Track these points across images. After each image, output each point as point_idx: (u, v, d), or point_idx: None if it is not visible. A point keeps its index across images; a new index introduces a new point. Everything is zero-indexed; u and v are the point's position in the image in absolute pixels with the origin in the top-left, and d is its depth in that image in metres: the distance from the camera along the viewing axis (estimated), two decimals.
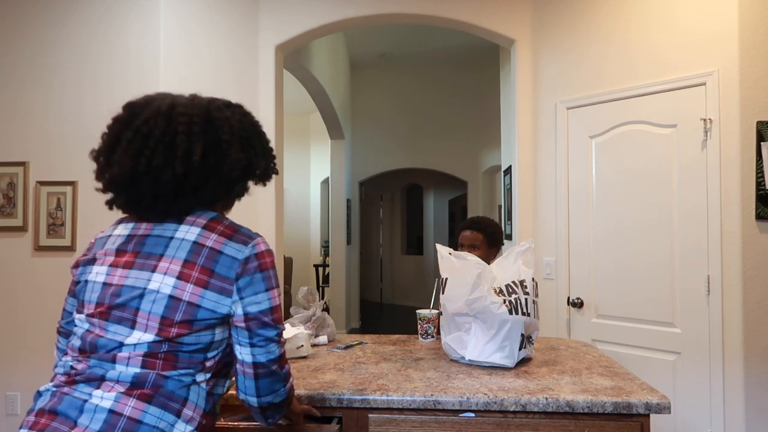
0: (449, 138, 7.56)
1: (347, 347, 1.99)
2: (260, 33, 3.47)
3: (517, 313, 1.66)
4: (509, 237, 3.68)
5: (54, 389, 1.02)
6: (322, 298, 7.76)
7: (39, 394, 1.04)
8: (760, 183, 2.44)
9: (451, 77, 7.51)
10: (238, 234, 1.08)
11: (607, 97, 2.92)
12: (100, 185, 1.11)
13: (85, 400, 0.97)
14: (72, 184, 3.09)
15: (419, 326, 2.14)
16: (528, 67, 3.39)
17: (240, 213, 3.33)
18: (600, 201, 2.94)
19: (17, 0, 3.17)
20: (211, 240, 1.06)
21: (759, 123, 2.45)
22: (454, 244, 2.37)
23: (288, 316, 2.11)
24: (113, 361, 1.00)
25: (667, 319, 2.66)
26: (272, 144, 1.26)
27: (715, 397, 2.51)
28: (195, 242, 1.05)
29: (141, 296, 1.03)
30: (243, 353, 1.07)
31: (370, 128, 7.73)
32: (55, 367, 1.10)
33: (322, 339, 2.04)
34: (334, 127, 6.58)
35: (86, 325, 1.06)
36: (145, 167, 1.04)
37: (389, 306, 9.92)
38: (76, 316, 1.10)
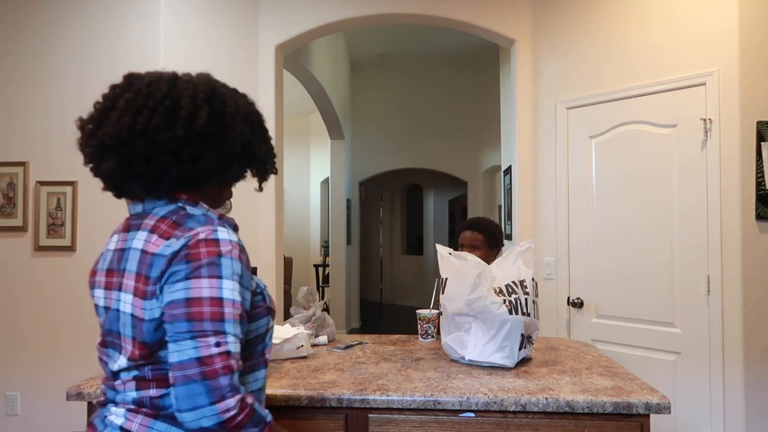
0: (449, 138, 7.56)
1: (347, 347, 1.99)
2: (260, 33, 3.47)
3: (517, 313, 1.66)
4: (509, 237, 3.68)
5: (97, 405, 1.07)
6: (322, 298, 7.77)
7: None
8: (760, 183, 2.44)
9: (451, 77, 7.50)
10: (178, 229, 0.95)
11: (607, 97, 2.92)
12: (84, 154, 1.01)
13: (106, 416, 1.00)
14: (72, 184, 3.09)
15: (419, 326, 2.14)
16: (528, 67, 3.39)
17: (240, 213, 3.33)
18: (600, 201, 2.94)
19: (17, 0, 3.17)
20: (152, 243, 0.95)
21: (759, 123, 2.45)
22: (454, 244, 2.37)
23: (288, 316, 2.11)
24: (114, 388, 1.01)
25: (667, 319, 2.66)
26: (273, 143, 1.16)
27: (715, 397, 2.50)
28: (141, 250, 0.96)
29: (118, 319, 0.98)
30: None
31: (370, 128, 7.73)
32: None
33: (322, 339, 2.04)
34: (334, 127, 6.58)
35: (99, 353, 1.07)
36: (142, 127, 0.94)
37: (389, 306, 9.92)
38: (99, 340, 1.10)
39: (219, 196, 1.10)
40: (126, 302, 0.96)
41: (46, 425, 3.10)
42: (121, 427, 0.96)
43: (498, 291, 1.70)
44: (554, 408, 1.38)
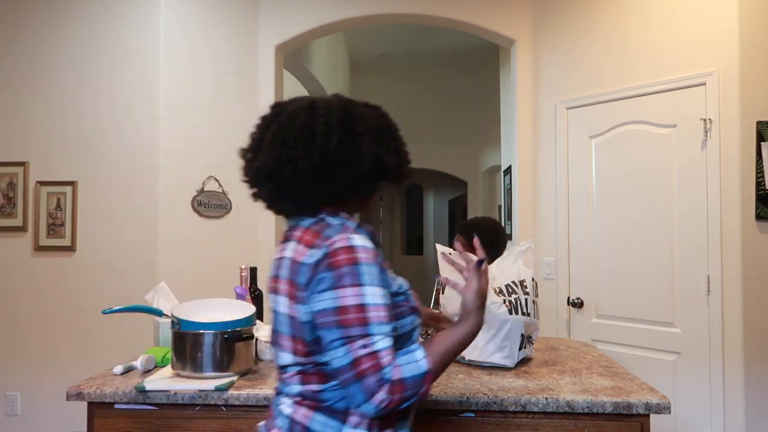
0: (449, 138, 7.56)
1: None
2: (260, 33, 3.47)
3: (517, 313, 1.66)
4: (509, 237, 3.68)
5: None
6: None
7: None
8: (760, 183, 2.44)
9: (451, 77, 7.50)
10: (318, 238, 1.04)
11: (607, 97, 2.92)
12: (247, 179, 1.18)
13: (279, 404, 1.12)
14: (72, 184, 3.09)
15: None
16: (528, 67, 3.39)
17: (240, 214, 3.34)
18: (600, 201, 2.94)
19: (17, 0, 3.17)
20: (298, 252, 1.06)
21: (759, 123, 2.45)
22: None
23: None
24: (283, 380, 1.12)
25: (667, 319, 2.66)
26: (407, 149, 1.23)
27: (715, 397, 2.50)
28: (291, 258, 1.07)
29: (278, 319, 1.11)
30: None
31: None
32: None
33: None
34: None
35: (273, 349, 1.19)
36: (286, 157, 1.07)
37: None
38: None
39: (363, 205, 1.21)
40: (283, 304, 1.08)
41: (46, 425, 3.10)
42: (288, 417, 1.08)
43: (498, 291, 1.70)
44: (554, 408, 1.38)
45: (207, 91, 3.26)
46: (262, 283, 2.30)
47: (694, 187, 2.59)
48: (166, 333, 1.78)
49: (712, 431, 2.51)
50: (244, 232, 3.36)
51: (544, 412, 1.40)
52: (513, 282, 1.72)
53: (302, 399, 1.07)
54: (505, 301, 1.67)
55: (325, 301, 0.99)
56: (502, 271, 1.78)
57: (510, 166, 3.67)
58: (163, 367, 1.68)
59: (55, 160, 3.12)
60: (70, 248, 3.09)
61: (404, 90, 7.66)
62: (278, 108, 1.16)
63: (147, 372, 1.64)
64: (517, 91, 3.40)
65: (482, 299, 1.11)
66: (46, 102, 3.14)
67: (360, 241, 1.02)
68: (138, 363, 1.64)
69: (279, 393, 1.14)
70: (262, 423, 1.17)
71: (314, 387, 1.06)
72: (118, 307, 1.58)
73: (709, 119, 2.54)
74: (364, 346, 0.97)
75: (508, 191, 3.76)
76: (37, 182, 3.11)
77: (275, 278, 1.12)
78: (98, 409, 1.50)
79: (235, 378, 1.54)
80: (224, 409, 1.47)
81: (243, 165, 1.20)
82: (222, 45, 3.32)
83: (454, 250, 2.06)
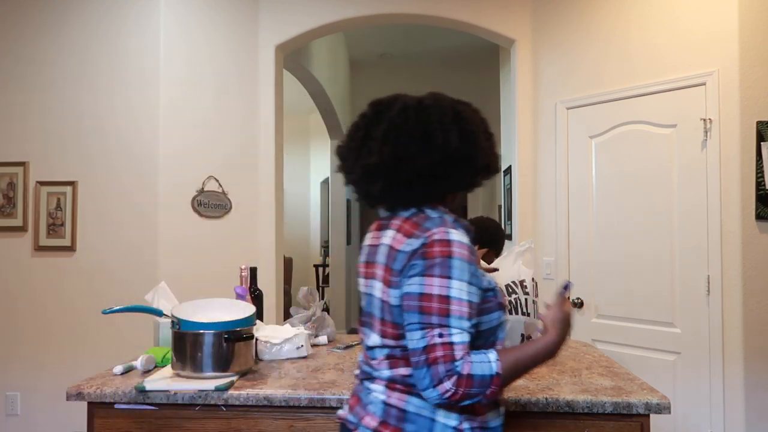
0: None
1: (347, 347, 1.99)
2: (260, 33, 3.47)
3: (516, 313, 1.66)
4: (509, 237, 3.68)
5: (358, 378, 1.21)
6: (322, 298, 7.76)
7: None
8: (760, 183, 2.44)
9: (451, 77, 7.50)
10: (418, 229, 1.08)
11: (607, 97, 2.92)
12: (349, 179, 1.19)
13: (370, 390, 1.14)
14: (72, 184, 3.09)
15: None
16: (528, 67, 3.39)
17: (240, 213, 3.34)
18: (600, 201, 2.94)
19: (18, 0, 3.17)
20: (397, 240, 1.10)
21: (759, 123, 2.45)
22: None
23: (288, 316, 2.12)
24: (371, 365, 1.15)
25: (667, 319, 2.66)
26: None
27: (715, 397, 2.50)
28: (388, 245, 1.12)
29: (371, 302, 1.16)
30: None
31: None
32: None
33: (322, 339, 2.04)
34: (334, 127, 6.58)
35: (360, 332, 1.24)
36: (403, 154, 1.10)
37: None
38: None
39: (455, 199, 1.25)
40: (377, 288, 1.13)
41: (46, 425, 3.10)
42: (383, 402, 1.10)
43: None
44: (554, 408, 1.38)
45: (207, 91, 3.26)
46: (262, 283, 2.30)
47: (694, 187, 2.59)
48: (166, 333, 1.78)
49: (712, 431, 2.51)
50: (244, 232, 3.36)
51: (544, 412, 1.40)
52: (513, 282, 1.72)
53: (394, 383, 1.10)
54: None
55: (412, 285, 1.04)
56: (502, 270, 1.78)
57: (510, 166, 3.67)
58: (163, 367, 1.68)
59: (55, 160, 3.12)
60: (70, 248, 3.09)
61: (404, 90, 7.56)
62: (381, 106, 1.21)
63: (147, 372, 1.64)
64: (517, 91, 3.40)
65: (565, 319, 1.14)
66: (46, 102, 3.14)
67: (457, 236, 1.05)
68: (138, 363, 1.64)
69: (365, 379, 1.17)
70: (344, 412, 1.18)
71: (403, 371, 1.09)
72: (118, 307, 1.58)
73: (709, 119, 2.54)
74: (441, 335, 1.00)
75: (508, 191, 3.76)
76: (37, 182, 3.11)
77: (370, 263, 1.17)
78: (98, 409, 1.50)
79: (235, 378, 1.54)
80: (224, 409, 1.47)
81: (341, 163, 1.21)
82: (222, 45, 3.32)
83: None
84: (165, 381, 1.52)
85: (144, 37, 3.12)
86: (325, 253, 8.41)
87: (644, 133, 2.77)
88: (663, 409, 1.37)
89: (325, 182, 8.74)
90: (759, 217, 2.44)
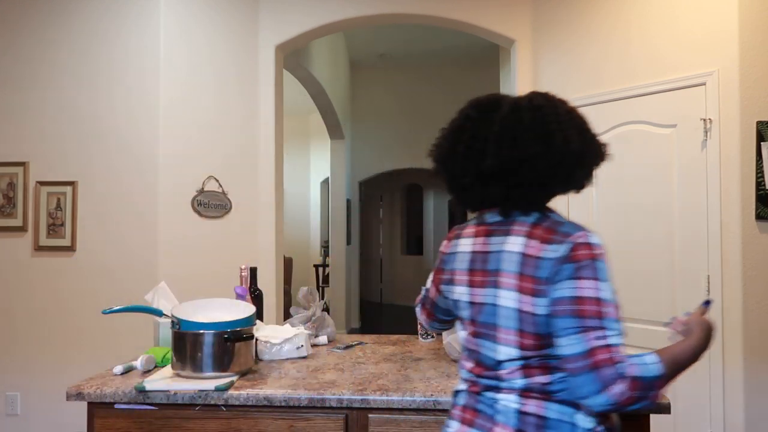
0: None
1: (347, 347, 1.99)
2: (260, 33, 3.47)
3: None
4: None
5: (466, 391, 1.16)
6: (322, 299, 7.76)
7: (456, 393, 1.19)
8: (760, 183, 2.44)
9: (451, 77, 7.50)
10: (555, 235, 1.06)
11: (607, 97, 2.92)
12: (459, 182, 1.14)
13: (495, 402, 1.09)
14: (72, 184, 3.09)
15: (419, 326, 2.14)
16: (528, 67, 3.39)
17: (240, 213, 3.34)
18: (600, 201, 2.94)
19: (17, 0, 3.17)
20: (533, 248, 1.06)
21: (759, 123, 2.45)
22: None
23: (288, 316, 2.12)
24: (497, 377, 1.10)
25: (668, 319, 2.66)
26: None
27: (715, 397, 2.50)
28: (521, 253, 1.07)
29: (495, 313, 1.09)
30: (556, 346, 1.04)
31: (370, 128, 7.73)
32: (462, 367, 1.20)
33: (322, 339, 2.04)
34: (334, 127, 6.58)
35: (465, 342, 1.18)
36: (522, 156, 1.06)
37: (389, 306, 9.92)
38: (461, 331, 1.20)
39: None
40: (508, 298, 1.07)
41: (46, 425, 3.10)
42: (517, 411, 1.05)
43: None
44: None
45: (207, 91, 3.26)
46: (262, 283, 2.30)
47: (694, 187, 2.59)
48: (166, 333, 1.78)
49: (712, 431, 2.51)
50: (244, 232, 3.36)
51: None
52: None
53: (529, 392, 1.06)
54: None
55: (563, 290, 1.01)
56: None
57: None
58: (163, 367, 1.68)
59: (55, 160, 3.12)
60: (70, 248, 3.09)
61: (404, 90, 7.66)
62: (486, 106, 1.16)
63: (147, 372, 1.64)
64: (517, 91, 3.40)
65: (708, 326, 1.13)
66: (46, 102, 3.14)
67: (596, 239, 1.05)
68: (138, 363, 1.64)
69: (485, 390, 1.11)
70: (455, 429, 1.11)
71: (541, 379, 1.06)
72: (118, 307, 1.58)
73: (709, 119, 2.54)
74: (599, 338, 0.97)
75: None
76: (37, 182, 3.11)
77: (481, 271, 1.12)
78: (98, 409, 1.50)
79: (235, 378, 1.54)
80: (224, 409, 1.47)
81: (451, 166, 1.15)
82: (222, 45, 3.32)
83: None
84: (165, 381, 1.52)
85: (144, 37, 3.12)
86: (325, 253, 8.42)
87: (644, 133, 2.77)
88: (663, 409, 1.37)
89: (325, 182, 8.74)
90: (759, 217, 2.44)
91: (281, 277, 3.62)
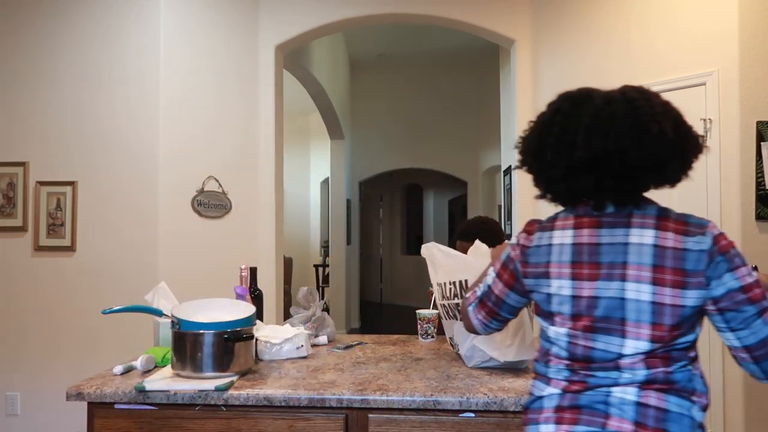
0: (449, 138, 7.56)
1: (347, 347, 1.99)
2: (260, 33, 3.47)
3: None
4: (509, 237, 3.68)
5: (560, 392, 1.11)
6: (322, 298, 7.76)
7: (539, 398, 1.14)
8: (760, 183, 2.44)
9: (451, 77, 7.50)
10: (690, 227, 1.06)
11: None
12: (549, 173, 1.13)
13: (608, 395, 1.06)
14: (72, 184, 3.09)
15: (419, 326, 2.14)
16: (528, 67, 3.39)
17: (240, 213, 3.34)
18: None
19: (18, 0, 3.17)
20: (670, 240, 1.05)
21: (759, 123, 2.45)
22: (454, 244, 2.36)
23: (288, 316, 2.11)
24: (617, 368, 1.07)
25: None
26: None
27: (715, 398, 2.50)
28: (655, 245, 1.06)
29: (621, 306, 1.07)
30: (730, 339, 1.05)
31: (370, 128, 7.73)
32: (546, 357, 1.16)
33: (322, 339, 2.04)
34: (334, 127, 6.58)
35: (565, 338, 1.12)
36: (614, 147, 1.05)
37: (389, 306, 9.92)
38: (551, 327, 1.15)
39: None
40: (640, 291, 1.05)
41: (46, 425, 3.10)
42: (636, 403, 1.04)
43: None
44: None
45: (207, 91, 3.26)
46: (262, 283, 2.30)
47: (693, 186, 2.59)
48: (166, 333, 1.77)
49: (712, 431, 2.51)
50: (244, 232, 3.36)
51: None
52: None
53: (650, 384, 1.05)
54: None
55: (729, 283, 1.03)
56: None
57: (510, 166, 3.67)
58: (163, 367, 1.68)
59: (55, 160, 3.12)
60: (70, 248, 3.09)
61: (404, 90, 7.66)
62: (576, 99, 1.16)
63: (147, 372, 1.64)
64: (517, 91, 3.40)
65: None
66: (47, 102, 3.14)
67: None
68: (138, 363, 1.64)
69: (597, 386, 1.08)
70: (553, 428, 1.08)
71: (663, 369, 1.05)
72: (117, 307, 1.58)
73: (709, 119, 2.54)
74: None
75: (508, 191, 3.76)
76: (37, 182, 3.11)
77: (607, 264, 1.08)
78: (98, 409, 1.50)
79: (235, 378, 1.54)
80: (224, 409, 1.47)
81: (540, 158, 1.15)
82: (222, 45, 3.32)
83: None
84: (165, 381, 1.52)
85: (144, 37, 3.12)
86: (325, 253, 8.42)
87: None
88: None
89: (325, 182, 8.74)
90: (759, 217, 2.44)
91: (281, 277, 3.62)
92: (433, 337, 2.12)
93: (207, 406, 1.47)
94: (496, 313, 1.29)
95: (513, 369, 1.68)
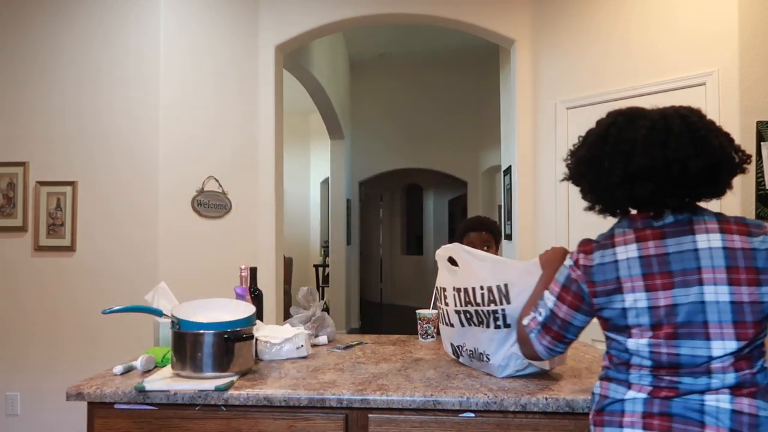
0: (449, 138, 7.56)
1: (347, 347, 1.99)
2: (260, 33, 3.47)
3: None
4: (509, 237, 3.68)
5: (646, 396, 1.12)
6: (322, 298, 7.76)
7: (620, 401, 1.15)
8: (760, 183, 2.44)
9: (451, 77, 7.50)
10: (751, 227, 1.12)
11: (607, 97, 2.92)
12: (606, 181, 1.17)
13: (702, 403, 1.07)
14: (72, 184, 3.09)
15: (419, 326, 2.14)
16: (528, 67, 3.39)
17: (240, 213, 3.34)
18: None
19: (18, 0, 3.17)
20: (737, 241, 1.10)
21: (759, 123, 2.45)
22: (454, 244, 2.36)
23: (288, 316, 2.12)
24: (708, 373, 1.08)
25: None
26: None
27: None
28: (724, 248, 1.10)
29: (702, 310, 1.09)
30: None
31: (370, 128, 7.73)
32: (616, 373, 1.20)
33: (322, 339, 2.04)
34: (334, 127, 6.58)
35: (647, 348, 1.13)
36: (674, 156, 1.10)
37: (389, 306, 9.92)
38: (630, 340, 1.16)
39: None
40: (719, 293, 1.08)
41: (46, 425, 3.10)
42: (732, 411, 1.05)
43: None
44: (554, 408, 1.38)
45: (207, 91, 3.26)
46: (262, 283, 2.30)
47: None
48: (166, 333, 1.78)
49: None
50: (244, 232, 3.36)
51: (544, 412, 1.40)
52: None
53: (740, 388, 1.06)
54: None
55: None
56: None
57: (510, 166, 3.68)
58: (163, 367, 1.68)
59: (55, 160, 3.12)
60: (70, 248, 3.09)
61: (404, 90, 7.66)
62: (633, 114, 1.19)
63: (147, 372, 1.64)
64: (517, 91, 3.40)
65: None
66: (47, 102, 3.14)
67: None
68: (138, 363, 1.64)
69: (690, 392, 1.09)
70: None
71: (749, 371, 1.07)
72: (117, 307, 1.58)
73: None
74: None
75: (508, 191, 3.77)
76: (37, 182, 3.11)
77: (680, 272, 1.11)
78: (98, 409, 1.50)
79: (235, 378, 1.54)
80: (224, 409, 1.47)
81: (598, 167, 1.18)
82: (222, 45, 3.32)
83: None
84: (165, 381, 1.52)
85: (144, 37, 3.12)
86: (325, 253, 8.42)
87: None
88: None
89: (325, 182, 8.74)
90: (759, 217, 2.44)
91: (281, 277, 3.62)
92: (433, 337, 2.12)
93: (207, 406, 1.47)
94: (562, 337, 1.30)
95: None
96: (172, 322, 1.56)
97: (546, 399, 1.39)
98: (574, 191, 3.06)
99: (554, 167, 3.18)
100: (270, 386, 1.49)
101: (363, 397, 1.42)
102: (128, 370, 1.66)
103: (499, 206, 4.93)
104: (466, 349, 1.65)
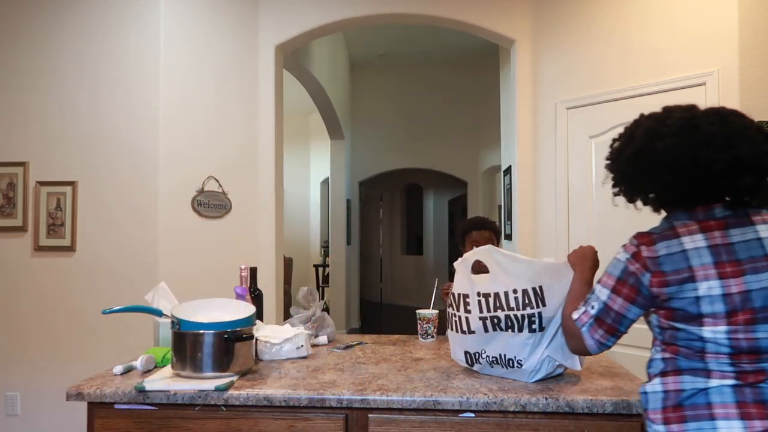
0: (449, 138, 7.56)
1: (347, 347, 1.99)
2: (260, 33, 3.47)
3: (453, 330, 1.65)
4: (509, 237, 3.68)
5: (734, 383, 1.13)
6: (322, 298, 7.76)
7: (705, 390, 1.15)
8: None
9: (451, 77, 7.50)
10: None
11: (607, 97, 2.92)
12: (704, 170, 1.18)
13: None
14: (72, 184, 3.09)
15: (419, 326, 2.14)
16: (528, 67, 3.39)
17: (240, 213, 3.34)
18: (600, 201, 2.94)
19: (18, 0, 3.17)
20: None
21: (759, 123, 2.45)
22: (454, 244, 2.37)
23: (288, 316, 2.11)
24: None
25: None
26: None
27: None
28: None
29: None
30: None
31: (370, 128, 7.73)
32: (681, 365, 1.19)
33: (322, 339, 2.04)
34: (334, 127, 6.58)
35: (725, 335, 1.14)
36: (748, 153, 1.15)
37: (389, 306, 9.92)
38: (704, 328, 1.16)
39: None
40: None
41: (46, 426, 3.10)
42: None
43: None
44: (554, 408, 1.38)
45: (207, 91, 3.26)
46: (262, 283, 2.30)
47: None
48: (166, 333, 1.78)
49: None
50: (244, 232, 3.36)
51: (543, 413, 1.40)
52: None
53: None
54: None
55: None
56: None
57: (510, 166, 3.68)
58: (163, 367, 1.68)
59: (55, 160, 3.12)
60: (70, 248, 3.09)
61: (404, 90, 7.66)
62: (708, 111, 1.23)
63: (147, 372, 1.64)
64: (517, 91, 3.40)
65: None
66: (46, 102, 3.14)
67: None
68: (138, 363, 1.64)
69: (759, 381, 1.12)
70: (749, 424, 1.10)
71: None
72: (117, 307, 1.58)
73: None
74: None
75: (508, 191, 3.76)
76: (37, 182, 3.11)
77: (747, 260, 1.15)
78: (98, 409, 1.50)
79: (235, 378, 1.54)
80: (224, 409, 1.47)
81: (646, 164, 1.26)
82: (222, 45, 3.32)
83: (457, 249, 2.05)
84: (165, 381, 1.52)
85: (144, 37, 3.12)
86: (325, 253, 8.42)
87: None
88: None
89: (325, 182, 8.74)
90: None
91: (281, 277, 3.62)
92: (433, 337, 2.12)
93: (207, 406, 1.47)
94: (615, 330, 1.30)
95: None
96: (172, 322, 1.56)
97: (546, 399, 1.39)
98: (574, 192, 3.06)
99: (554, 167, 3.18)
100: (270, 386, 1.49)
101: (363, 397, 1.42)
102: (128, 370, 1.67)
103: (499, 206, 4.93)
104: (487, 356, 1.58)
